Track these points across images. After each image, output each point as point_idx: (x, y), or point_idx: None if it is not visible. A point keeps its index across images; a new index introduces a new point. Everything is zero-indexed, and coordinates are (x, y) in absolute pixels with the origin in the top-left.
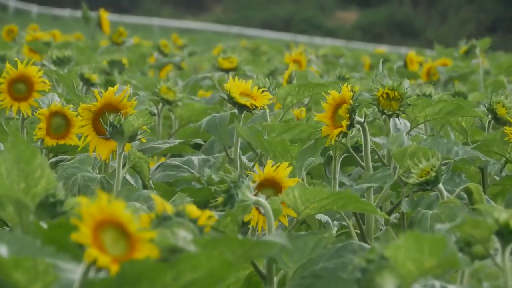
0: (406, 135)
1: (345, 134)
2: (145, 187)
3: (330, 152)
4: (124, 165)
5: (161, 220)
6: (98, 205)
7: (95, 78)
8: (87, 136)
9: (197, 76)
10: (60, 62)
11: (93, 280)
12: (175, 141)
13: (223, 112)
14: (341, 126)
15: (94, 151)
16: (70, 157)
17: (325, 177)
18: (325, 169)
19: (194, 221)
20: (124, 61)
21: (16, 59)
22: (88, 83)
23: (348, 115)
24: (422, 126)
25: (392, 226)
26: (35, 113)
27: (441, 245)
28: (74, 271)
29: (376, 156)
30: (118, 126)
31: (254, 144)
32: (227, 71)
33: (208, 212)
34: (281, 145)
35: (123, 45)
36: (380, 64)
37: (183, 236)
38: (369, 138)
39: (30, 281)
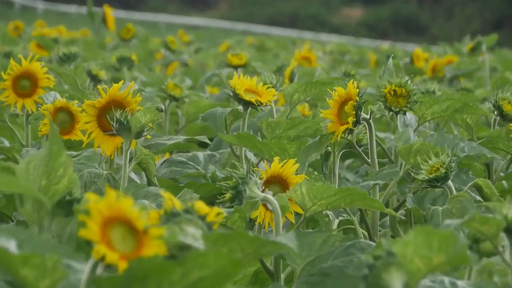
0: (413, 131)
1: (351, 131)
2: (150, 183)
3: (328, 148)
4: (130, 162)
5: (170, 217)
6: (106, 201)
7: (103, 74)
8: (91, 132)
9: (207, 75)
10: (66, 58)
11: (100, 277)
12: (181, 137)
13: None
14: (347, 122)
15: (98, 147)
16: (74, 152)
17: (322, 173)
18: (322, 165)
19: (203, 217)
20: (134, 57)
21: (20, 55)
22: (95, 79)
23: (354, 112)
24: (427, 123)
25: (399, 223)
26: (39, 109)
27: (450, 241)
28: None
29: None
30: (125, 122)
31: (247, 148)
32: (236, 67)
33: (216, 209)
34: (278, 145)
35: (131, 41)
36: (390, 61)
37: (192, 233)
38: (374, 135)
39: (38, 277)
